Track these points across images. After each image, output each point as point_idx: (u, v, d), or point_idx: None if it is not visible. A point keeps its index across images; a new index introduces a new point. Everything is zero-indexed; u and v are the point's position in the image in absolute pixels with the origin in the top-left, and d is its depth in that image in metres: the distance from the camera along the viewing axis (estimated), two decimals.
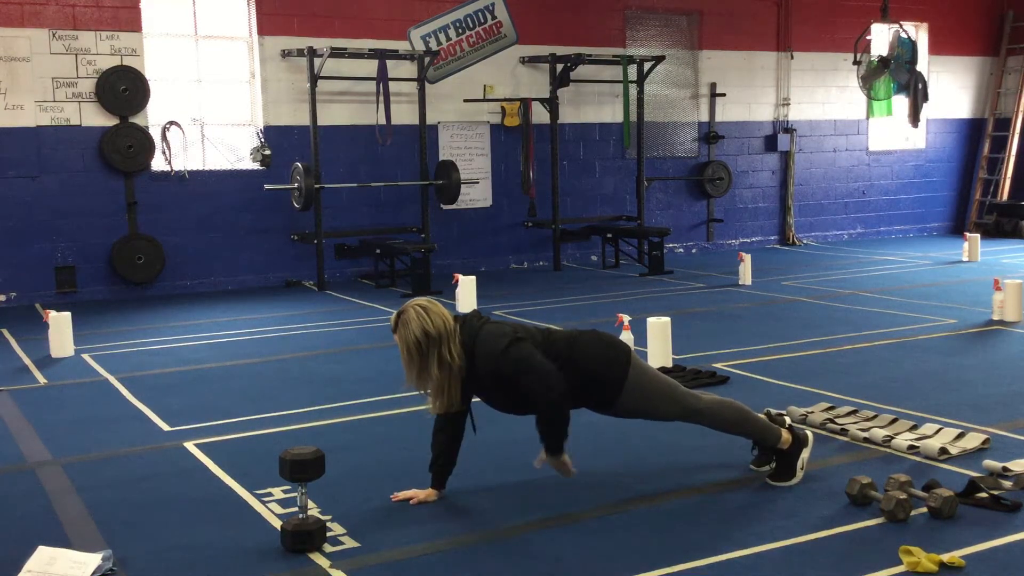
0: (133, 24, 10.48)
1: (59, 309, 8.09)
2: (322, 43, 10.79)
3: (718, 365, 6.79)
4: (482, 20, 12.19)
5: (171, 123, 10.73)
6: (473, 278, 9.39)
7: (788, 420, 4.62)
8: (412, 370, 4.16)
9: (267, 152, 11.05)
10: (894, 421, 5.24)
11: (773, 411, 4.91)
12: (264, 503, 4.36)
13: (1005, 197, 15.53)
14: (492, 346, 4.13)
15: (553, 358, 4.18)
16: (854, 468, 4.59)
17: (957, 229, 15.61)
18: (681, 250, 13.77)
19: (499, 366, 4.12)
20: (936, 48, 15.48)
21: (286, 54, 11.08)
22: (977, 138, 16.00)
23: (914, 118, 13.70)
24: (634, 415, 4.39)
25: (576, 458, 4.78)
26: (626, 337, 6.84)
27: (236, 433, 5.51)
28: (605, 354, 4.27)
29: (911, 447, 4.82)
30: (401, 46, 11.60)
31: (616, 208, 13.19)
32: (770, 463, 4.51)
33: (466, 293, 9.26)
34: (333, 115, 11.30)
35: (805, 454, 4.45)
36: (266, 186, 10.93)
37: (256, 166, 11.12)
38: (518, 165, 12.38)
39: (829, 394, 5.95)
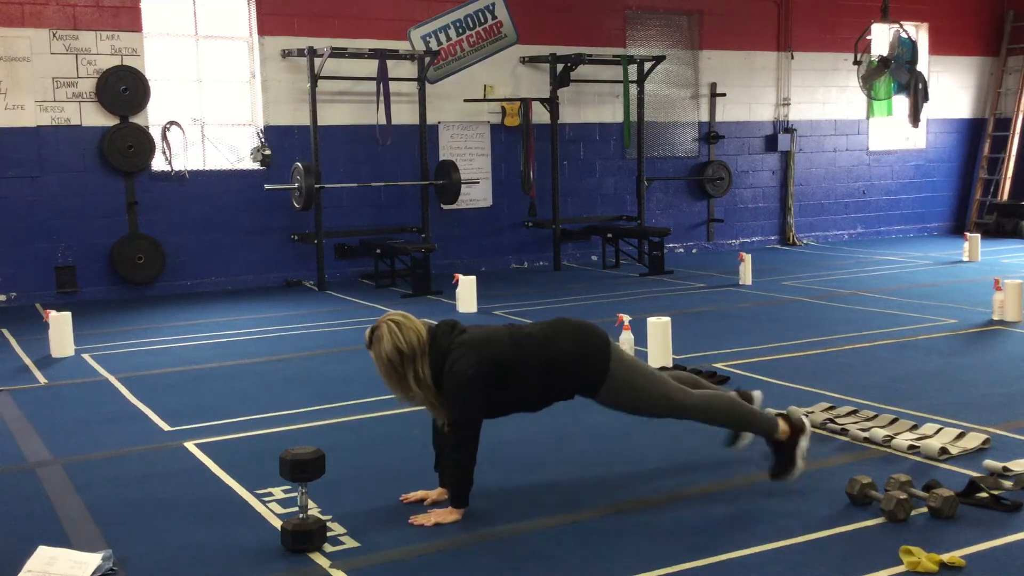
0: (133, 24, 10.48)
1: (59, 309, 8.08)
2: (322, 43, 10.79)
3: (718, 365, 6.79)
4: (482, 20, 12.19)
5: (171, 123, 10.72)
6: (473, 278, 9.39)
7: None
8: (393, 386, 4.14)
9: (267, 152, 11.05)
10: (894, 421, 5.24)
11: (773, 411, 4.90)
12: (264, 503, 4.36)
13: (1005, 197, 15.52)
14: (454, 366, 4.06)
15: (527, 361, 4.13)
16: (854, 468, 4.58)
17: (957, 229, 15.60)
18: (681, 250, 13.77)
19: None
20: (936, 48, 15.48)
21: (286, 54, 11.08)
22: (977, 138, 15.99)
23: (914, 118, 13.70)
24: (620, 408, 4.34)
25: (577, 458, 4.78)
26: (626, 337, 6.84)
27: (236, 433, 5.51)
28: (580, 352, 4.18)
29: (911, 447, 4.82)
30: (401, 46, 11.60)
31: (616, 208, 13.19)
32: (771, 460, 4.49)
33: (466, 293, 9.26)
34: (333, 115, 11.30)
35: (803, 443, 4.37)
36: (266, 186, 10.93)
37: (256, 166, 11.12)
38: (518, 165, 12.37)
39: (829, 394, 5.95)
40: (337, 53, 10.67)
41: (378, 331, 4.10)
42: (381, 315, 4.23)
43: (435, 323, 4.24)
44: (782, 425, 4.39)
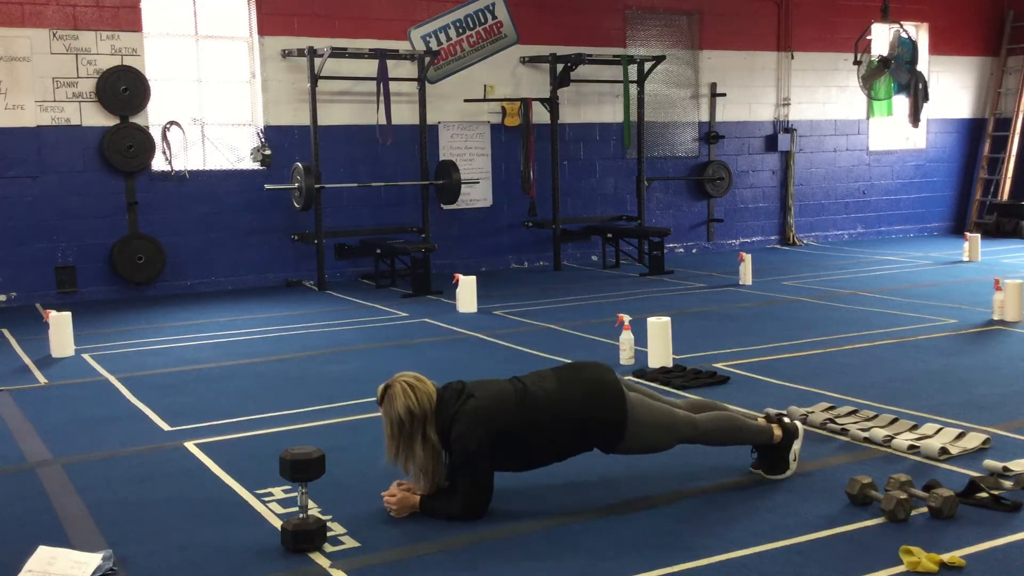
0: (133, 24, 10.48)
1: (59, 309, 8.08)
2: (322, 43, 10.79)
3: (718, 365, 6.78)
4: (482, 20, 12.18)
5: (171, 123, 10.72)
6: (473, 278, 9.38)
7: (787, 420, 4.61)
8: (393, 446, 4.11)
9: (267, 152, 11.05)
10: (894, 421, 5.23)
11: (773, 411, 4.91)
12: (264, 503, 4.36)
13: (1005, 197, 15.52)
14: (459, 439, 4.05)
15: (537, 424, 4.13)
16: (854, 468, 4.59)
17: (957, 229, 15.60)
18: (681, 250, 13.77)
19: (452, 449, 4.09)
20: (936, 48, 15.48)
21: (286, 54, 11.08)
22: (977, 138, 15.99)
23: (914, 118, 13.69)
24: (635, 453, 4.40)
25: (576, 458, 4.78)
26: (626, 337, 6.84)
27: (236, 433, 5.51)
28: (594, 413, 4.20)
29: (911, 447, 4.82)
30: (401, 46, 11.60)
31: (616, 208, 13.19)
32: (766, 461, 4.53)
33: (466, 293, 9.26)
34: (333, 115, 11.30)
35: (796, 446, 4.49)
36: (266, 186, 10.92)
37: (256, 166, 11.12)
38: (518, 165, 12.38)
39: (829, 394, 5.94)
40: (337, 53, 10.67)
41: (391, 390, 4.10)
42: (394, 375, 4.18)
43: (442, 387, 4.21)
44: (776, 431, 4.48)
